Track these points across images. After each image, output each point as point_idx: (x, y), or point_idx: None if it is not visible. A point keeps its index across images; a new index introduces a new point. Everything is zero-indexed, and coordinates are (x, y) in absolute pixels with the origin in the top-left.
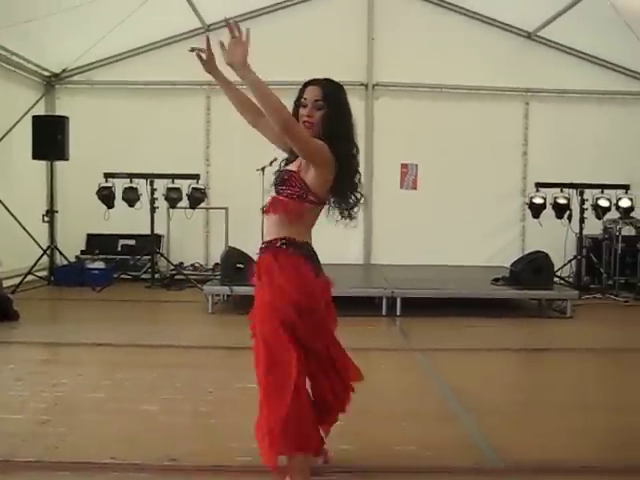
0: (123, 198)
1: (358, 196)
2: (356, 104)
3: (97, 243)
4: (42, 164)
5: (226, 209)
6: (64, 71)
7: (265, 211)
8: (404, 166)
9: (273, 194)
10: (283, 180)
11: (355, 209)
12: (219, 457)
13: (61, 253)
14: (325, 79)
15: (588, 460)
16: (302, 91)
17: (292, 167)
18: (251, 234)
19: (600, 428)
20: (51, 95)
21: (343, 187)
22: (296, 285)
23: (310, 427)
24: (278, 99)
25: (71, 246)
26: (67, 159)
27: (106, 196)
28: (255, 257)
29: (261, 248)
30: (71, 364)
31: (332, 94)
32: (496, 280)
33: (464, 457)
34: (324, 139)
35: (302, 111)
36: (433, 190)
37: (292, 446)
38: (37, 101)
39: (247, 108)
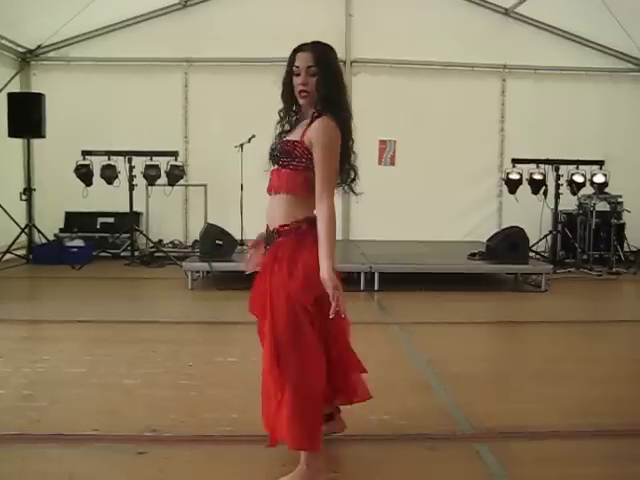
0: (101, 176)
1: (353, 163)
2: None
3: (76, 221)
4: (18, 142)
5: (205, 186)
6: (39, 47)
7: (273, 189)
8: (382, 142)
9: (273, 168)
10: (287, 151)
11: (354, 179)
12: (199, 427)
13: (39, 231)
14: (313, 42)
15: (556, 425)
16: (293, 58)
17: (294, 137)
18: (230, 210)
19: (569, 396)
20: (26, 72)
21: (344, 154)
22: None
23: (316, 427)
24: (329, 234)
25: (49, 224)
26: (44, 136)
27: (84, 174)
28: (235, 234)
29: (275, 232)
30: (52, 341)
31: (324, 57)
32: (473, 255)
33: (437, 425)
34: (322, 106)
35: (296, 79)
36: (411, 166)
37: (297, 444)
38: (12, 78)
39: None
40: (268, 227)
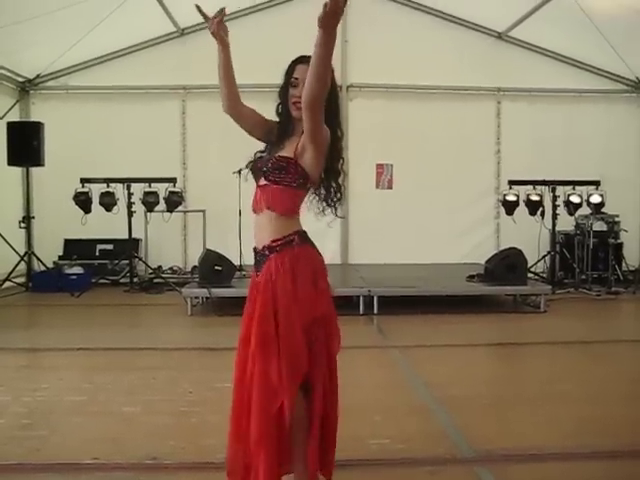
0: (100, 203)
1: (341, 183)
2: None
3: (75, 248)
4: (18, 170)
5: (203, 212)
6: (38, 77)
7: (260, 207)
8: (379, 166)
9: (260, 184)
10: (279, 167)
11: (340, 198)
12: (200, 454)
13: (38, 259)
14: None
15: (556, 447)
16: (292, 69)
17: (285, 153)
18: (229, 236)
19: (568, 417)
20: (25, 101)
21: (331, 171)
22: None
23: None
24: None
25: (49, 252)
26: (43, 165)
27: (83, 201)
28: (234, 259)
29: (264, 250)
30: (51, 369)
31: None
32: (471, 277)
33: (436, 448)
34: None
35: (293, 91)
36: (408, 189)
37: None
38: (11, 107)
39: (233, 89)
40: (256, 248)
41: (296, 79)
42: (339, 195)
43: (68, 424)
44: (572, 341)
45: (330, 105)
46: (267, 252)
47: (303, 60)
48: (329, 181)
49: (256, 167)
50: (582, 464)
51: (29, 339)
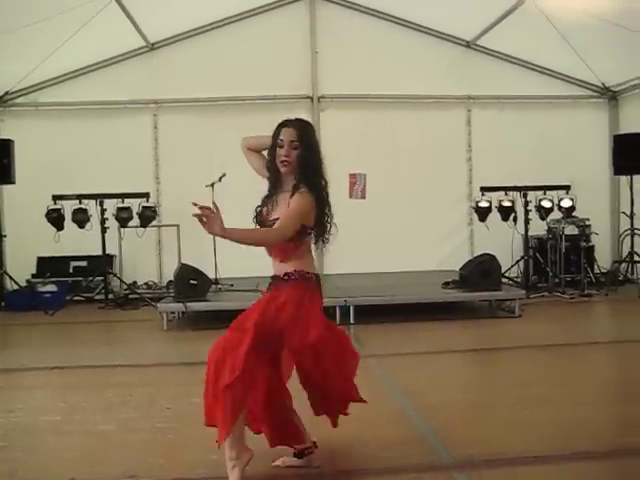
0: (73, 219)
1: (331, 223)
2: (303, 117)
3: (48, 266)
4: None
5: (177, 226)
6: (7, 93)
7: (272, 254)
8: (352, 176)
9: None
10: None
11: (331, 234)
12: (179, 470)
13: (11, 278)
14: (297, 120)
15: (534, 450)
16: (278, 131)
17: (278, 214)
18: (203, 250)
19: (546, 420)
20: None
21: (322, 218)
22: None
23: None
24: (258, 234)
25: (21, 270)
26: (14, 182)
27: (55, 218)
28: (209, 273)
29: (278, 277)
30: (25, 389)
31: (305, 135)
32: (446, 284)
33: (416, 456)
34: (300, 175)
35: (279, 151)
36: (382, 198)
37: None
38: None
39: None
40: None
41: (281, 140)
42: (330, 231)
43: (44, 444)
44: (547, 344)
45: (311, 164)
46: (279, 281)
47: (287, 124)
48: (322, 224)
49: (262, 220)
50: (561, 466)
51: (2, 359)
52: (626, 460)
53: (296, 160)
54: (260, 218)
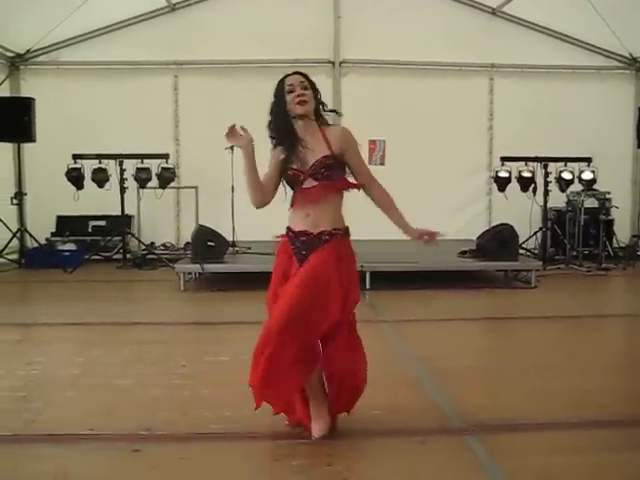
0: (92, 179)
1: None
2: (323, 81)
3: (67, 225)
4: (9, 146)
5: (196, 188)
6: (28, 52)
7: (314, 200)
8: (372, 142)
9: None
10: (328, 165)
11: None
12: (193, 425)
13: (31, 235)
14: (297, 71)
15: (544, 417)
16: (282, 83)
17: (323, 151)
18: (221, 212)
19: (557, 389)
20: (15, 76)
21: None
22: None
23: None
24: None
25: (41, 228)
26: (34, 141)
27: (75, 177)
28: (227, 235)
29: (323, 233)
30: (45, 343)
31: (309, 78)
32: (463, 253)
33: (427, 419)
34: (317, 115)
35: (291, 94)
36: (401, 166)
37: None
38: (1, 82)
39: (261, 188)
40: (306, 231)
41: (290, 85)
42: None
43: (62, 397)
44: (562, 316)
45: (323, 105)
46: (327, 237)
47: (289, 74)
48: None
49: (294, 175)
50: (569, 433)
51: (22, 314)
52: (632, 429)
53: (312, 98)
54: (294, 169)
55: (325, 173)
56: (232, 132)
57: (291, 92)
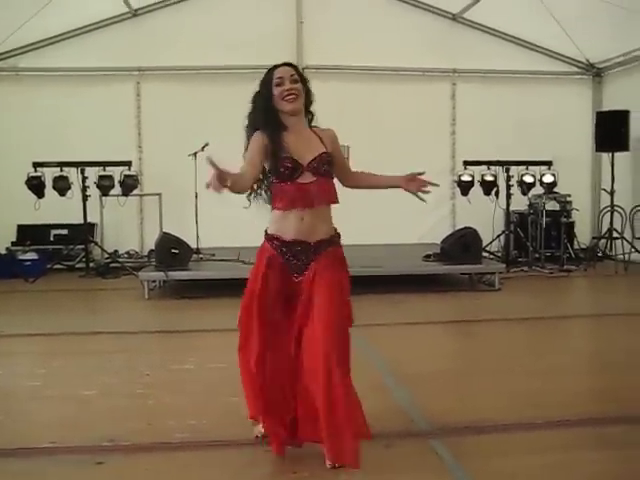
0: (54, 187)
1: None
2: None
3: (28, 234)
4: None
5: (159, 195)
6: None
7: (316, 201)
8: None
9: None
10: (328, 162)
11: None
12: (157, 435)
13: None
14: (287, 62)
15: (511, 419)
16: (271, 73)
17: (320, 148)
18: (185, 219)
19: (523, 390)
20: None
21: None
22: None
23: None
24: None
25: (1, 238)
26: None
27: (36, 186)
28: (191, 242)
29: (322, 242)
30: (6, 355)
31: (300, 73)
32: (427, 257)
33: (393, 423)
34: (306, 109)
35: (280, 87)
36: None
37: None
38: None
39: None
40: (301, 240)
41: (280, 78)
42: None
43: (23, 409)
44: (526, 317)
45: (311, 99)
46: (325, 245)
47: (279, 65)
48: None
49: (292, 166)
50: (536, 433)
51: None
52: (597, 428)
53: (303, 93)
54: (290, 159)
55: (326, 169)
56: (219, 176)
57: (279, 85)
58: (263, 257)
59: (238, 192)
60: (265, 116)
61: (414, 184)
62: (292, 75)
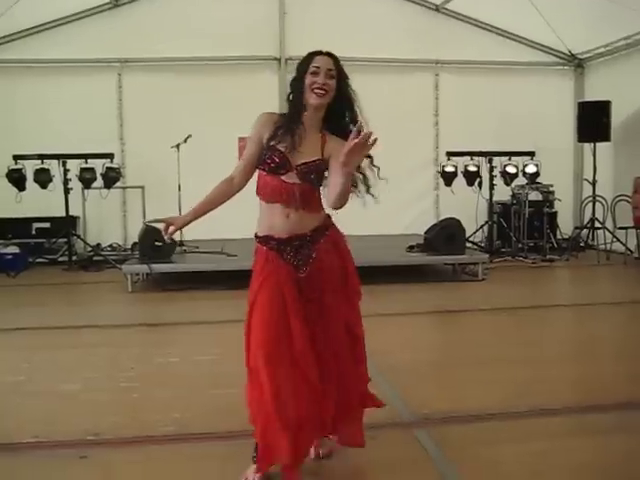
0: (35, 180)
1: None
2: (269, 78)
3: (9, 227)
4: None
5: (142, 188)
6: None
7: (296, 204)
8: None
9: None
10: (320, 170)
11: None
12: (142, 429)
13: None
14: (330, 52)
15: (494, 408)
16: (309, 59)
17: (315, 154)
18: (168, 211)
19: (506, 379)
20: None
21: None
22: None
23: None
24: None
25: None
26: None
27: (16, 179)
28: (174, 235)
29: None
30: None
31: (342, 68)
32: (411, 247)
33: (377, 414)
34: (334, 108)
35: (313, 78)
36: None
37: None
38: None
39: (224, 197)
40: (296, 234)
41: (317, 67)
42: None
43: (6, 404)
44: (509, 307)
45: (350, 97)
46: (322, 230)
47: (320, 52)
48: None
49: (280, 160)
50: (519, 422)
51: None
52: (580, 416)
53: (334, 90)
54: (282, 152)
55: (312, 177)
56: (165, 230)
57: (314, 75)
58: (262, 261)
59: (225, 201)
60: (293, 107)
61: (351, 154)
62: (330, 70)
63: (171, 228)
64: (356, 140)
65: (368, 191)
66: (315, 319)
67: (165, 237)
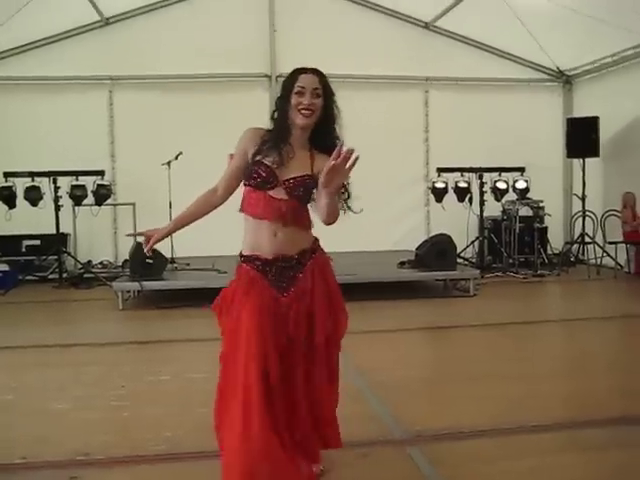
0: (25, 197)
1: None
2: (260, 96)
3: None
4: None
5: (133, 205)
6: None
7: (285, 220)
8: None
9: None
10: (308, 187)
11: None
12: (133, 448)
13: None
14: (315, 69)
15: (486, 424)
16: (294, 78)
17: (304, 170)
18: None
19: (498, 395)
20: None
21: None
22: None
23: None
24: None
25: None
26: None
27: (6, 196)
28: (165, 252)
29: (293, 257)
30: None
31: (328, 83)
32: (402, 264)
33: (369, 431)
34: (321, 126)
35: (299, 98)
36: None
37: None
38: None
39: (206, 207)
40: (283, 255)
41: (302, 87)
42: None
43: None
44: (501, 323)
45: (335, 117)
46: (294, 261)
47: (306, 70)
48: None
49: (266, 174)
50: (512, 438)
51: None
52: (572, 432)
53: (320, 109)
54: (268, 167)
55: (300, 193)
56: (146, 242)
57: (299, 95)
58: (244, 284)
59: (208, 212)
60: (279, 125)
61: (331, 174)
62: (315, 89)
63: (152, 240)
64: (334, 162)
65: (346, 206)
66: (297, 361)
67: (145, 250)
